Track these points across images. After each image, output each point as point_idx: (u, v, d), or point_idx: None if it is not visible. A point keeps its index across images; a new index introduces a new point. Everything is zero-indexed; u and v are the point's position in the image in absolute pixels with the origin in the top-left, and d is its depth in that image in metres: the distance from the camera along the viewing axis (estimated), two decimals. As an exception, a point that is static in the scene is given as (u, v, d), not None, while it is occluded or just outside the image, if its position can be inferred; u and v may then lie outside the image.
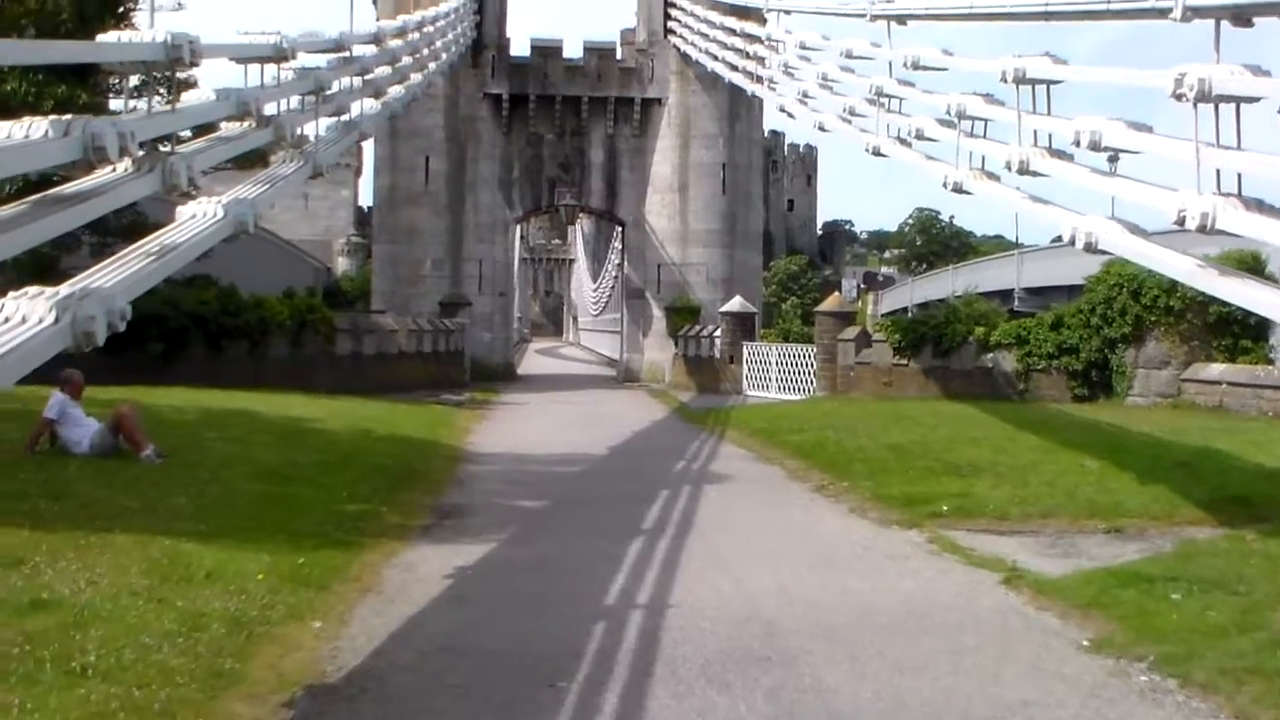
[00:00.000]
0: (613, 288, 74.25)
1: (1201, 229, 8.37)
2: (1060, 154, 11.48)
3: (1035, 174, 11.50)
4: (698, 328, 40.85)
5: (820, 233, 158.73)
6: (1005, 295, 52.81)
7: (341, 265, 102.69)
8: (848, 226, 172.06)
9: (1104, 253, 10.16)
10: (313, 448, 17.49)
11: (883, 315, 68.51)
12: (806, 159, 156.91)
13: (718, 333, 39.13)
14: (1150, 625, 8.52)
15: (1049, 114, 11.60)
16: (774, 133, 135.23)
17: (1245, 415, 23.85)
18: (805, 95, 21.55)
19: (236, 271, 37.37)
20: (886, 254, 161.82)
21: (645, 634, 8.40)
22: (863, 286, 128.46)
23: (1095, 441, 18.78)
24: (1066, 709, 6.97)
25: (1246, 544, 11.20)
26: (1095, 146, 9.97)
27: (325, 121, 15.13)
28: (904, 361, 31.72)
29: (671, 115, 44.17)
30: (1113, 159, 10.49)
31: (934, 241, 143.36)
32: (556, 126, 44.50)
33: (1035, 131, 11.69)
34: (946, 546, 11.82)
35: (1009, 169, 11.80)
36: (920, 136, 15.29)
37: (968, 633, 8.56)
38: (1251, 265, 26.14)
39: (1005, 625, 8.80)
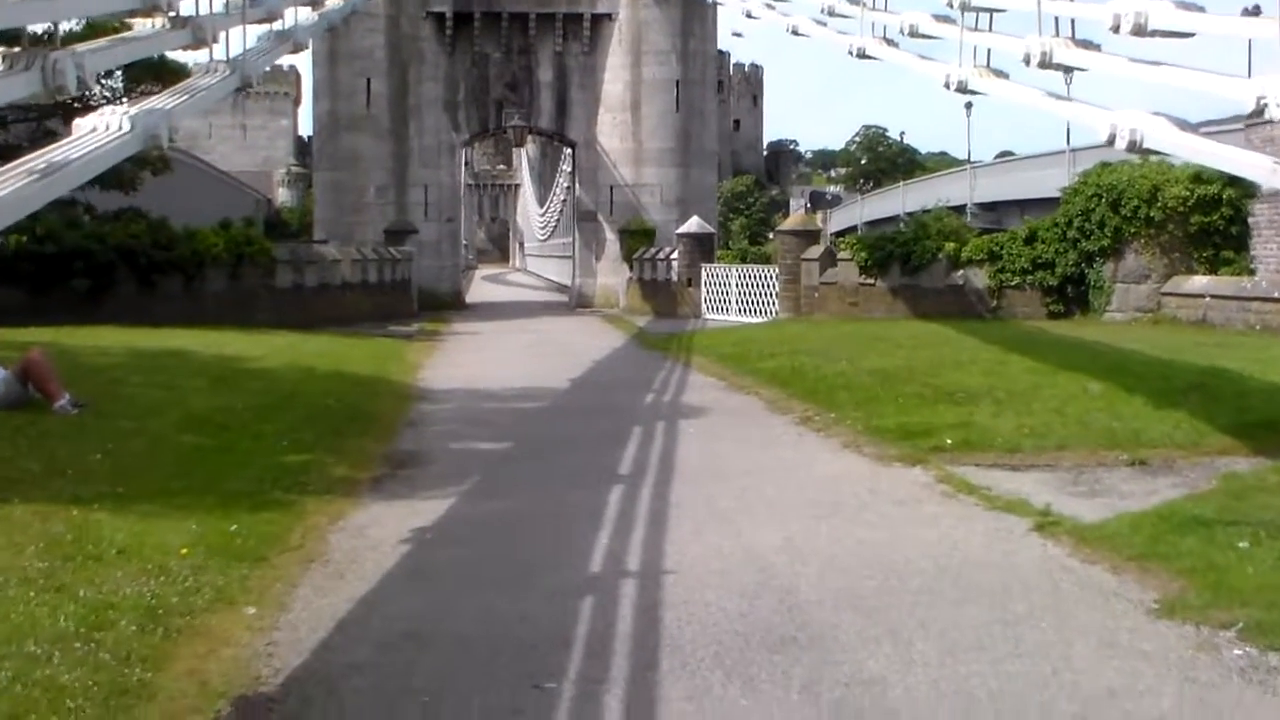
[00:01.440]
0: (561, 212, 72.60)
1: (1290, 119, 7.06)
2: (1088, 44, 10.12)
3: (1063, 67, 10.11)
4: (653, 250, 39.46)
5: (766, 153, 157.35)
6: (958, 211, 51.52)
7: (282, 196, 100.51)
8: (793, 146, 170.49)
9: (1151, 152, 8.85)
10: (250, 390, 16.03)
11: (833, 234, 67.34)
12: (752, 78, 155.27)
13: (674, 255, 37.73)
14: (1225, 582, 7.30)
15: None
16: (720, 52, 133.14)
17: (1231, 329, 22.81)
18: (774, -4, 20.03)
19: (172, 205, 35.60)
20: (832, 173, 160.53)
21: (643, 611, 7.10)
22: (809, 206, 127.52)
23: (1090, 362, 17.62)
24: (1163, 698, 5.74)
25: (1300, 477, 10.04)
26: (1140, 30, 8.62)
27: (256, 30, 13.64)
28: (871, 281, 30.46)
29: (622, 31, 42.43)
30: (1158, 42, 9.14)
31: (880, 159, 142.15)
32: (503, 45, 42.64)
33: (1056, 19, 10.31)
34: (960, 486, 10.57)
35: (1027, 64, 10.41)
36: (914, 34, 13.82)
37: (1015, 597, 7.32)
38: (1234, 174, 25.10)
39: (1056, 586, 7.55)
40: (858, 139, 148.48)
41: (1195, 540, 8.11)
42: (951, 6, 12.21)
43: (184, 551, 7.80)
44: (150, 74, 27.98)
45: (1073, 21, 10.23)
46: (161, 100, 8.59)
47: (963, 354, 19.76)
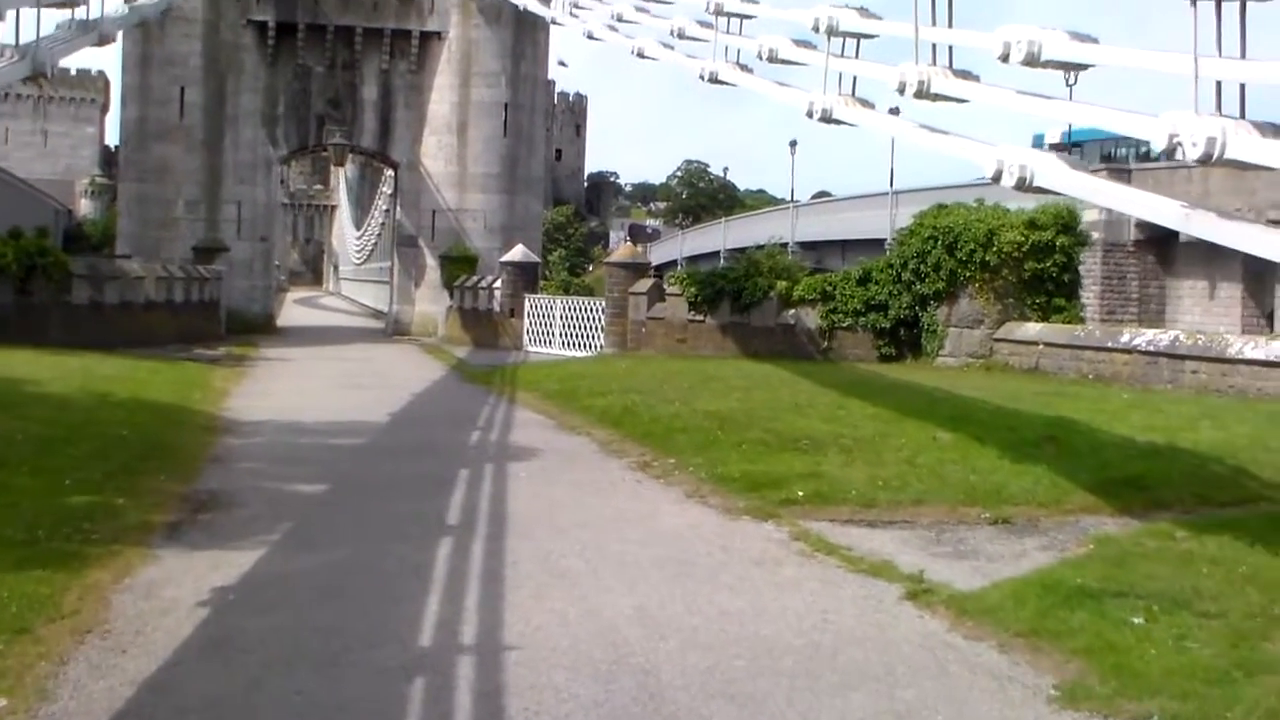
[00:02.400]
0: (379, 235, 71.00)
1: (1206, 160, 6.44)
2: (967, 74, 9.49)
3: (940, 98, 9.44)
4: (475, 278, 38.28)
5: (586, 184, 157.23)
6: (782, 247, 51.79)
7: (85, 208, 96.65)
8: (613, 178, 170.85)
9: (1041, 190, 8.22)
10: (34, 418, 14.46)
11: (653, 269, 66.90)
12: (576, 108, 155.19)
13: (497, 284, 36.62)
14: (1127, 666, 6.64)
15: (950, 26, 9.55)
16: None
17: (1064, 377, 22.79)
18: (619, 18, 19.17)
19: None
20: (652, 206, 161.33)
21: (483, 699, 6.10)
22: (628, 239, 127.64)
23: (932, 409, 17.20)
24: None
25: (1176, 542, 9.51)
26: (1032, 61, 7.98)
27: (55, 16, 12.32)
28: (700, 317, 29.89)
29: (452, 50, 41.31)
30: (1065, 79, 8.56)
31: (701, 195, 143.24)
32: (327, 59, 41.14)
33: (935, 46, 9.65)
34: (818, 545, 9.81)
35: (902, 93, 9.72)
36: (774, 59, 13.08)
37: (902, 682, 6.54)
38: (1067, 221, 25.27)
39: (944, 669, 6.80)
40: (679, 173, 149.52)
41: (1086, 615, 7.45)
42: (817, 31, 11.50)
43: (-70, 620, 6.53)
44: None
45: (950, 49, 9.60)
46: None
47: (799, 396, 19.21)
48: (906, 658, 6.96)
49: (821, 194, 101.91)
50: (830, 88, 11.74)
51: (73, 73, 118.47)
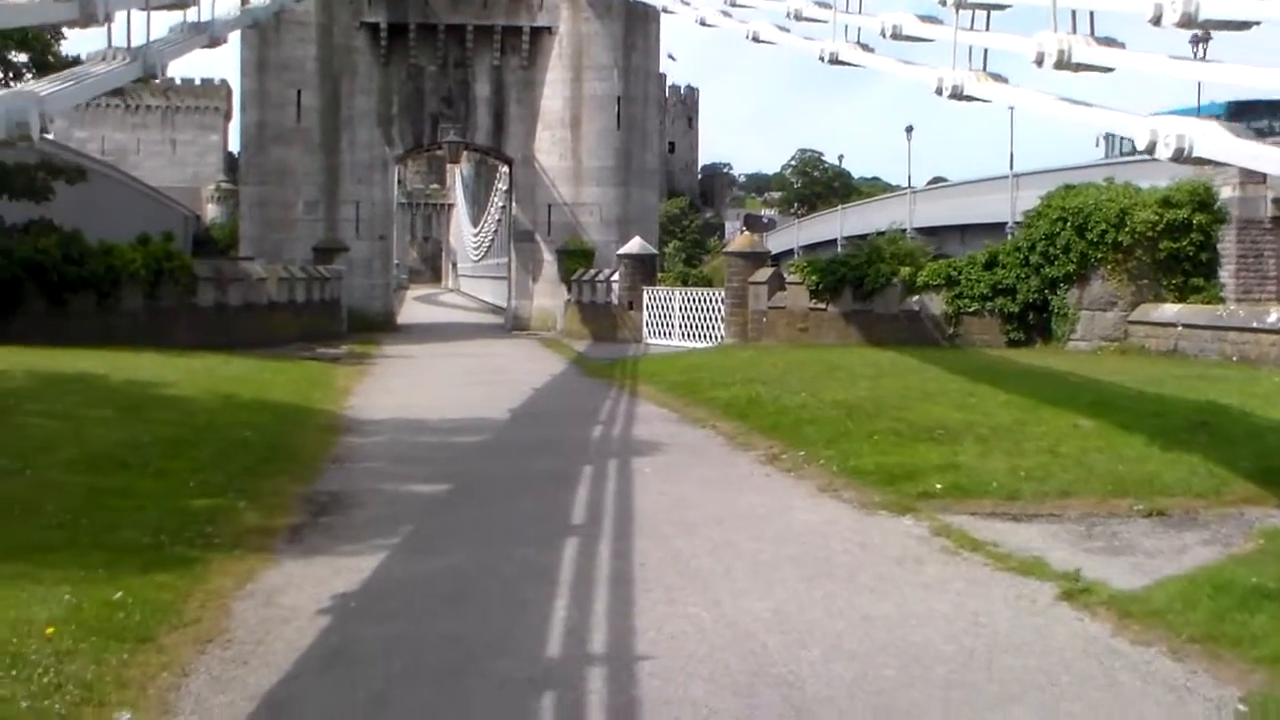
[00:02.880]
0: (496, 232, 71.25)
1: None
2: (1110, 41, 8.90)
3: (1083, 67, 8.85)
4: (593, 271, 38.10)
5: (700, 175, 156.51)
6: (901, 235, 50.97)
7: (212, 213, 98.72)
8: (726, 170, 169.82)
9: (1201, 161, 7.64)
10: (160, 421, 14.46)
11: (770, 258, 66.08)
12: (688, 100, 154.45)
13: (615, 277, 36.39)
14: (1317, 674, 6.09)
15: (1092, -10, 8.95)
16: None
17: (1206, 360, 21.83)
18: (732, 2, 18.72)
19: (94, 219, 33.86)
20: (766, 196, 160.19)
21: (617, 717, 5.74)
22: (743, 229, 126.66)
23: (1070, 395, 16.51)
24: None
25: (1356, 536, 8.86)
26: (1189, 22, 7.40)
27: (167, 19, 12.23)
28: (821, 305, 29.31)
29: (562, 45, 41.17)
30: (1200, 39, 7.97)
31: (816, 184, 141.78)
32: (439, 58, 41.24)
33: (1074, 13, 9.07)
34: (961, 541, 9.31)
35: (1040, 64, 9.14)
36: (898, 35, 12.54)
37: (1068, 694, 6.05)
38: (1203, 199, 24.30)
39: (1111, 676, 6.29)
40: (793, 162, 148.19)
41: (1267, 619, 6.86)
42: (944, 4, 10.95)
43: (49, 630, 6.34)
44: (36, 68, 26.31)
45: (1092, 15, 9.01)
46: (37, 85, 7.16)
47: (928, 384, 18.63)
48: (1069, 665, 6.46)
49: (936, 179, 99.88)
50: (960, 62, 11.19)
51: (197, 82, 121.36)
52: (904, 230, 46.41)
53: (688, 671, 6.30)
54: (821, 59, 14.43)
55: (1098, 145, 49.06)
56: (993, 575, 8.35)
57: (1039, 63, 9.19)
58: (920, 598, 7.79)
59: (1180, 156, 7.54)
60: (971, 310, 27.13)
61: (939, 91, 11.21)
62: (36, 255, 25.87)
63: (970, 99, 11.09)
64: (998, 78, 11.00)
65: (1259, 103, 59.12)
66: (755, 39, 17.14)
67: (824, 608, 7.54)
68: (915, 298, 28.03)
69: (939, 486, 11.22)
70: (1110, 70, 8.88)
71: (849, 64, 14.01)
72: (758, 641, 6.84)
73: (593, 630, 7.11)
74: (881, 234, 33.37)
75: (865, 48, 13.99)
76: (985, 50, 10.99)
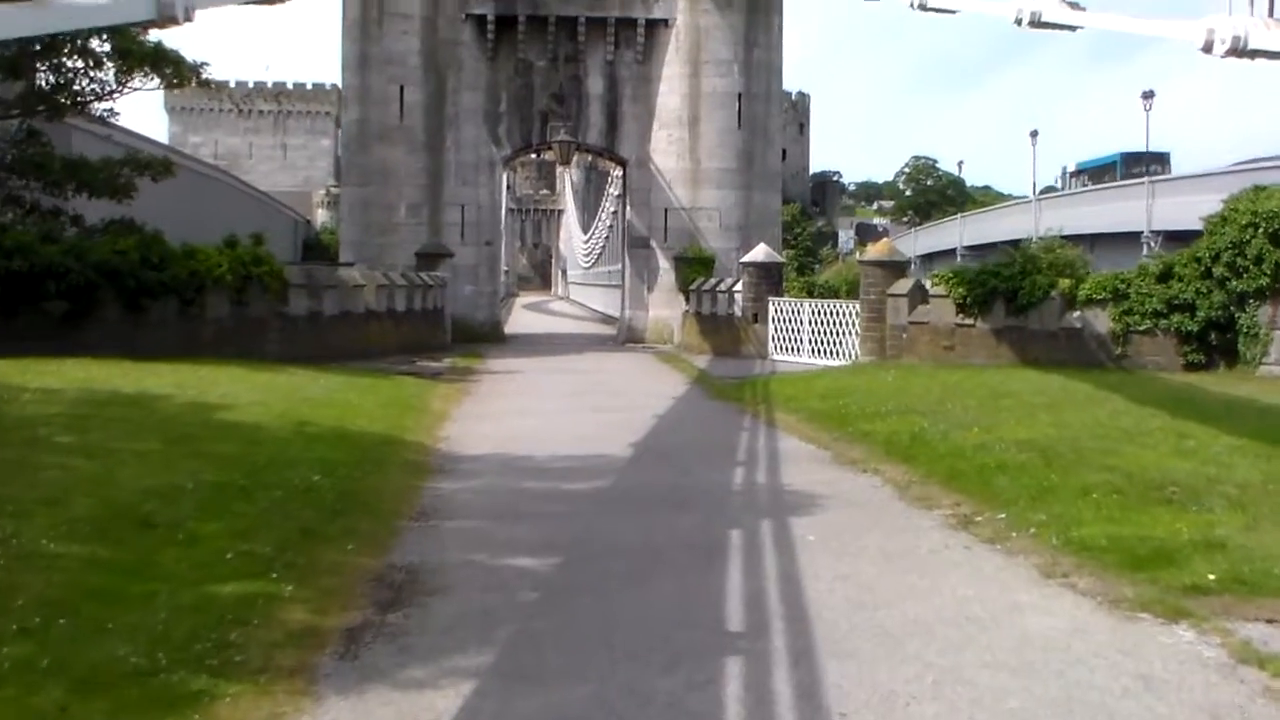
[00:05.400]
0: (607, 238, 69.08)
1: None
2: None
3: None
4: (713, 281, 35.31)
5: (811, 183, 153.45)
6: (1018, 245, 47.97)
7: (321, 218, 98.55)
8: (836, 177, 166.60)
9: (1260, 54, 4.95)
10: (213, 457, 12.02)
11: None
12: (799, 106, 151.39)
13: (738, 286, 33.60)
14: None
15: None
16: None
17: None
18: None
19: (205, 222, 32.02)
20: (878, 205, 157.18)
21: None
22: (856, 237, 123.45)
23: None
24: None
25: None
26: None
27: None
28: (969, 321, 26.27)
29: (680, 38, 38.49)
30: None
31: (930, 191, 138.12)
32: (549, 52, 38.77)
33: None
34: (1283, 673, 6.50)
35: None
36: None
37: None
38: None
39: None
40: (906, 170, 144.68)
41: None
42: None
43: None
44: (145, 62, 24.50)
45: None
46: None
47: (1122, 420, 15.70)
48: None
49: (1048, 189, 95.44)
50: (1240, 8, 8.32)
51: (308, 86, 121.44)
52: (1023, 240, 43.26)
53: None
54: (1019, 22, 11.53)
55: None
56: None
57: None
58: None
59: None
60: (1142, 328, 23.99)
61: (1207, 49, 8.32)
62: (112, 258, 23.73)
63: (1258, 53, 8.20)
64: (1293, 25, 8.09)
65: (1145, 154, 61.16)
66: (923, 7, 14.29)
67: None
68: (1076, 313, 24.95)
69: (1211, 578, 8.34)
70: None
71: (1058, 26, 11.07)
72: None
73: None
74: (1016, 243, 30.21)
75: (1075, 6, 11.09)
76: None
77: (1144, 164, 64.53)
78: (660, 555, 9.36)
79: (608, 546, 9.70)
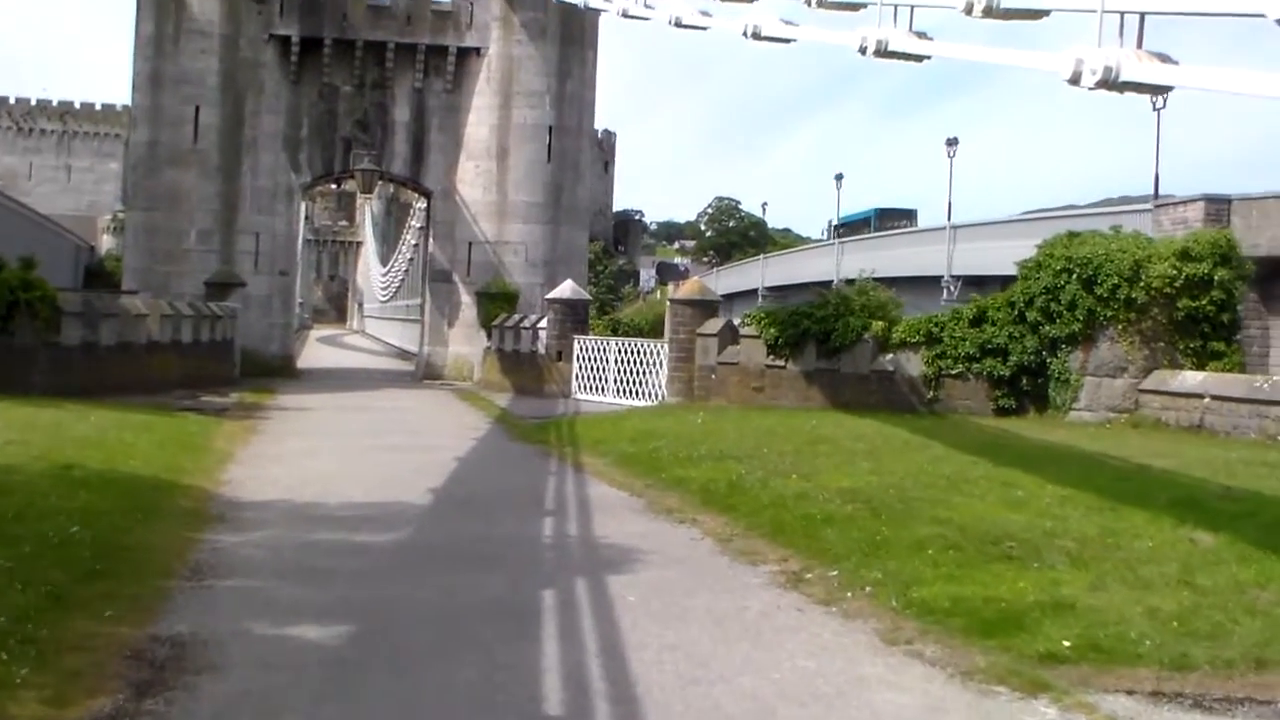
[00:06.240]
0: (407, 271, 67.76)
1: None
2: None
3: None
4: (517, 317, 34.36)
5: (614, 221, 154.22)
6: (825, 286, 48.38)
7: (107, 244, 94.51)
8: (638, 216, 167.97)
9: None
10: (-47, 506, 10.58)
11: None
12: (604, 144, 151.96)
13: (542, 323, 32.71)
14: None
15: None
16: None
17: (1244, 439, 18.75)
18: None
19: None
20: (679, 244, 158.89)
21: None
22: (658, 277, 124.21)
23: (1138, 490, 13.26)
24: None
25: None
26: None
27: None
28: (780, 362, 25.87)
29: (491, 67, 37.54)
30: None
31: (731, 233, 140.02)
32: (356, 77, 37.38)
33: None
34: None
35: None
36: (991, 11, 9.06)
37: None
38: (1225, 251, 21.54)
39: None
40: (709, 210, 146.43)
41: None
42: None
43: None
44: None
45: None
46: None
47: (943, 466, 15.33)
48: None
49: (843, 224, 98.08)
50: (1109, 37, 7.87)
51: (97, 107, 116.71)
52: (828, 282, 43.42)
53: None
54: (863, 51, 10.94)
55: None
56: None
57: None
58: None
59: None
60: (954, 372, 23.93)
61: (1075, 80, 7.77)
62: None
63: (897, 55, 8.44)
64: (1164, 57, 7.61)
65: (895, 210, 71.97)
66: (756, 36, 13.70)
67: None
68: (889, 356, 24.77)
69: (1066, 644, 7.75)
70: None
71: (906, 56, 10.49)
72: None
73: None
74: (819, 285, 30.03)
75: (922, 36, 10.56)
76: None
77: (894, 219, 70.76)
78: (465, 625, 8.34)
79: (407, 612, 8.63)
